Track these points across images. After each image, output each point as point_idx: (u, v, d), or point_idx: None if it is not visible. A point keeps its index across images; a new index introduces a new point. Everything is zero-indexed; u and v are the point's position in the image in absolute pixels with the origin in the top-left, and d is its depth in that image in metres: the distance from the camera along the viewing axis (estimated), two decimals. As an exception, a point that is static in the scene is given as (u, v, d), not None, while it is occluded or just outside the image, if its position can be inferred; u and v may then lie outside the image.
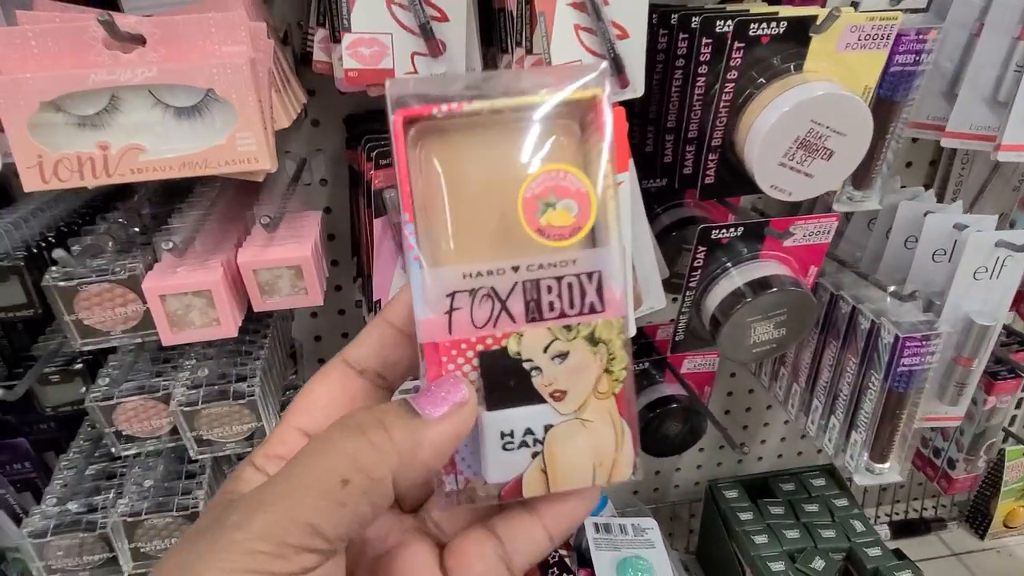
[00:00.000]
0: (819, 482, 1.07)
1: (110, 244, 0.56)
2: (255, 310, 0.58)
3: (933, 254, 0.75)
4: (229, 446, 0.63)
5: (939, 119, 0.72)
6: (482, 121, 0.26)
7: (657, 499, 1.21)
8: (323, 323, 0.94)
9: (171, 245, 0.51)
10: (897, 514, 1.24)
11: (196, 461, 0.64)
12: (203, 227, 0.60)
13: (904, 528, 1.20)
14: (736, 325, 0.66)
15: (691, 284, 0.68)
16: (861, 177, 0.68)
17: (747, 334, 0.67)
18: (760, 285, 0.65)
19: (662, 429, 0.93)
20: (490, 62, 0.68)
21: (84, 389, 0.64)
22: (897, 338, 0.65)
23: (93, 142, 0.48)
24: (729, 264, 0.67)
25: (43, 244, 0.57)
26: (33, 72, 0.46)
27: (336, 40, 0.59)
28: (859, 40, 0.57)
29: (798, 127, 0.56)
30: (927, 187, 1.01)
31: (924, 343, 0.65)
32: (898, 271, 0.78)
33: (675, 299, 0.80)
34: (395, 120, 0.26)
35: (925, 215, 0.75)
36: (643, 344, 0.95)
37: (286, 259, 0.56)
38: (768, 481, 1.08)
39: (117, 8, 0.56)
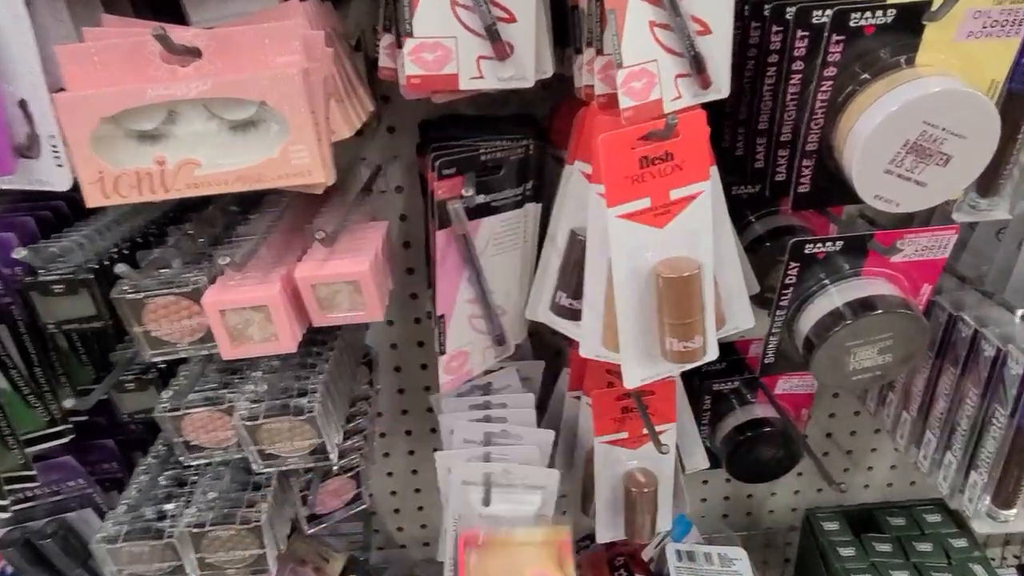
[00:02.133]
0: (934, 518, 0.96)
1: (177, 257, 0.56)
2: (314, 325, 0.57)
3: (1075, 270, 0.65)
4: (292, 460, 0.62)
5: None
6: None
7: (750, 525, 1.14)
8: (399, 332, 0.93)
9: (228, 260, 0.51)
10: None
11: (262, 473, 0.64)
12: (269, 239, 0.60)
13: (1036, 573, 1.06)
14: (833, 349, 0.59)
15: (782, 303, 0.62)
16: (987, 182, 0.59)
17: (846, 359, 0.60)
18: (862, 306, 0.58)
19: (753, 454, 0.86)
20: (566, 63, 0.64)
21: (158, 397, 0.65)
22: (1029, 370, 0.57)
23: (151, 157, 0.48)
24: (827, 281, 0.60)
25: (114, 257, 0.57)
26: (96, 88, 0.46)
27: (401, 45, 0.57)
28: (984, 27, 0.49)
29: (908, 129, 0.49)
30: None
31: (1062, 376, 0.56)
32: (1032, 288, 0.68)
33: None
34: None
35: (1066, 225, 0.65)
36: (733, 361, 0.88)
37: (343, 274, 0.55)
38: (874, 513, 0.99)
39: (186, 21, 0.56)
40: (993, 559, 0.92)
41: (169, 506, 0.63)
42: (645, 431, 0.73)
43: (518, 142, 0.63)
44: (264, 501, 0.63)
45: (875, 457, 1.08)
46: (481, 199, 0.62)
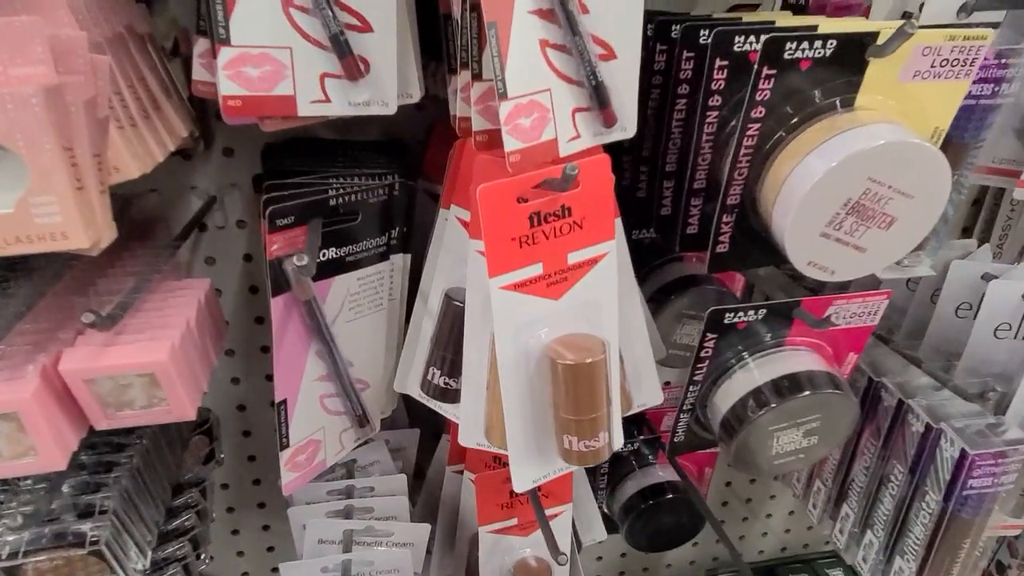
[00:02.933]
0: (835, 572, 0.92)
1: None
2: (96, 428, 0.42)
3: (996, 329, 0.59)
4: (74, 602, 0.46)
5: (1009, 162, 0.57)
6: None
7: (647, 582, 1.06)
8: (247, 390, 0.78)
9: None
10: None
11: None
12: (36, 309, 0.44)
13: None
14: (755, 434, 0.50)
15: (696, 378, 0.52)
16: (913, 237, 0.52)
17: (768, 444, 0.51)
18: (788, 385, 0.49)
19: (654, 523, 0.77)
20: (440, 83, 0.53)
21: None
22: (964, 454, 0.50)
23: None
24: (746, 354, 0.52)
25: None
26: None
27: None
28: (932, 66, 0.41)
29: (850, 187, 0.40)
30: (967, 231, 0.86)
31: (999, 461, 0.50)
32: (948, 344, 0.63)
33: (666, 383, 0.65)
34: None
35: (985, 278, 0.60)
36: (632, 418, 0.79)
37: (132, 365, 0.40)
38: (776, 570, 0.93)
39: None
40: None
41: None
42: (539, 517, 0.62)
43: (380, 180, 0.51)
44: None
45: (773, 504, 1.03)
46: (332, 253, 0.49)
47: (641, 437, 0.79)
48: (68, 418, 0.41)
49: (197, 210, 0.63)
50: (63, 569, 0.45)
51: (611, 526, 0.79)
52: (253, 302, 0.73)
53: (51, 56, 0.33)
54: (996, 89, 0.47)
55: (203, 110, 0.61)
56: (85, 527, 0.44)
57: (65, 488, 0.47)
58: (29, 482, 0.47)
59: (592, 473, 0.78)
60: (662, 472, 0.78)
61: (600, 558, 1.02)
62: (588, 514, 0.73)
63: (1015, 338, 0.60)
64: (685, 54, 0.49)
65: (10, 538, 0.43)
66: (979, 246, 0.66)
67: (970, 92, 0.46)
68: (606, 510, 0.82)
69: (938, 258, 0.58)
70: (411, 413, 0.73)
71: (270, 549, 0.90)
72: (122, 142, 0.39)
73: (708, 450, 0.64)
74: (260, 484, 0.85)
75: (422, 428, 0.73)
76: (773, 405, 0.49)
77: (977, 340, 0.60)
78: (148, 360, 0.40)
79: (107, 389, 0.41)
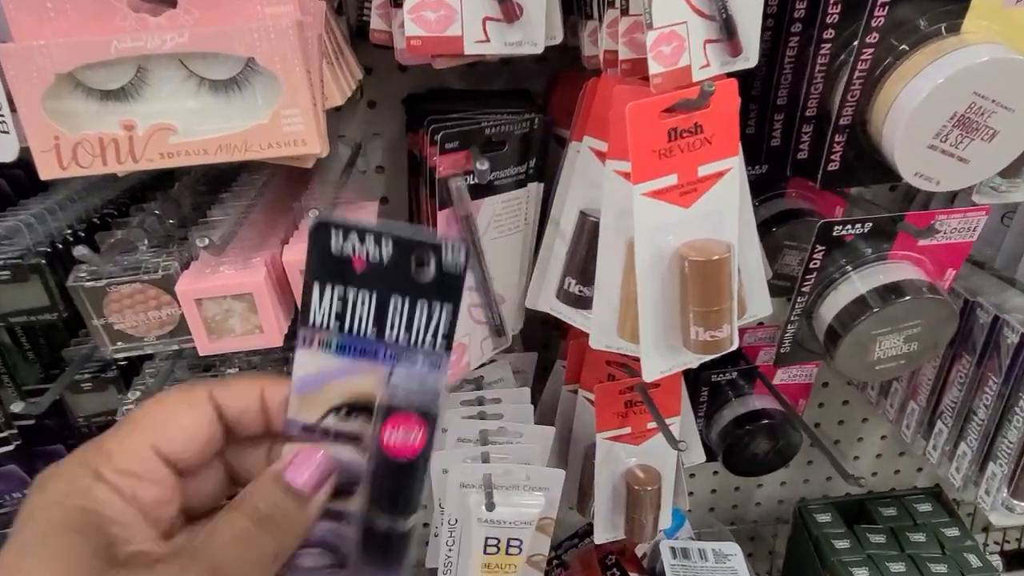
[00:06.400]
0: (924, 507, 0.95)
1: (144, 240, 0.50)
2: (303, 315, 0.51)
3: (1092, 254, 0.63)
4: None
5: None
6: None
7: (736, 518, 1.11)
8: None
9: (207, 242, 0.44)
10: (1008, 542, 1.11)
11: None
12: (247, 220, 0.53)
13: (1019, 558, 1.07)
14: (859, 338, 0.56)
15: (804, 289, 0.58)
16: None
17: (871, 349, 0.57)
18: (890, 291, 0.55)
19: (751, 447, 0.83)
20: (568, 31, 0.59)
21: (120, 398, 0.58)
22: (1058, 357, 0.54)
23: (117, 121, 0.41)
24: (849, 267, 0.57)
25: (69, 239, 0.50)
26: (48, 39, 0.39)
27: (397, 4, 0.51)
28: (1035, -8, 0.46)
29: (956, 101, 0.46)
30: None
31: (1092, 364, 0.54)
32: (1043, 274, 0.67)
33: (760, 323, 0.70)
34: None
35: (1080, 208, 0.63)
36: (729, 354, 0.85)
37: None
38: (865, 504, 0.97)
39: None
40: (979, 545, 0.91)
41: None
42: (650, 425, 0.69)
43: (521, 116, 0.58)
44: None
45: (861, 447, 1.07)
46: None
47: (737, 369, 0.85)
48: (285, 303, 0.50)
49: (348, 156, 0.72)
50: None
51: (709, 455, 0.85)
52: (388, 240, 0.81)
53: (297, -2, 0.41)
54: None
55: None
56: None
57: (269, 367, 0.56)
58: (235, 370, 0.57)
59: (692, 401, 0.85)
60: (758, 401, 0.84)
61: (692, 493, 1.08)
62: (690, 436, 0.80)
63: (1110, 263, 0.63)
64: (799, -5, 0.54)
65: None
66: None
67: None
68: (704, 439, 0.88)
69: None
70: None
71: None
72: (330, 75, 0.48)
73: (812, 361, 0.69)
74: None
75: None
76: (876, 310, 0.54)
77: (1072, 266, 0.63)
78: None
79: (315, 280, 0.50)
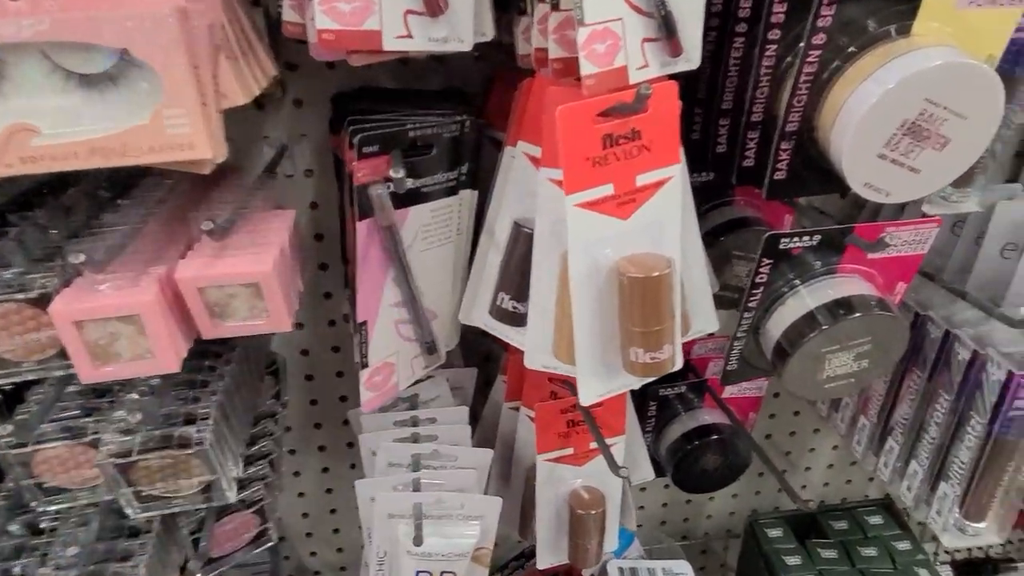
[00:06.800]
0: (876, 520, 0.94)
1: (18, 253, 0.44)
2: (204, 337, 0.46)
3: (1042, 267, 0.61)
4: (179, 502, 0.51)
5: (1058, 101, 0.58)
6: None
7: (687, 531, 1.09)
8: (310, 336, 0.82)
9: (82, 258, 0.39)
10: (959, 551, 1.10)
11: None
12: (144, 230, 0.48)
13: (968, 569, 1.06)
14: (807, 357, 0.53)
15: (751, 304, 0.55)
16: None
17: (820, 367, 0.54)
18: (840, 308, 0.52)
19: (701, 464, 0.80)
20: (504, 28, 0.55)
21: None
22: (1011, 375, 0.52)
23: (-32, 121, 0.36)
24: (797, 281, 0.54)
25: (-70, 253, 0.44)
26: None
27: (309, -6, 0.47)
28: (988, -7, 0.44)
29: (907, 108, 0.43)
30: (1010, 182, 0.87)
31: (1045, 382, 0.52)
32: (992, 285, 0.65)
33: (710, 335, 0.66)
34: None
35: (1031, 219, 0.62)
36: (679, 364, 0.82)
37: (240, 274, 0.44)
38: (817, 517, 0.95)
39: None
40: (928, 555, 0.90)
41: (17, 566, 0.50)
42: (593, 446, 0.66)
43: (451, 118, 0.54)
44: (143, 552, 0.51)
45: (812, 457, 1.05)
46: (409, 184, 0.52)
47: (686, 382, 0.82)
48: (181, 325, 0.45)
49: (271, 158, 0.67)
50: (169, 469, 0.49)
51: (657, 470, 0.82)
52: (318, 249, 0.76)
53: (180, -18, 0.36)
54: (1047, 22, 0.49)
55: (277, 62, 0.65)
56: (191, 430, 0.48)
57: (168, 398, 0.51)
58: (135, 395, 0.51)
59: (640, 415, 0.81)
60: (707, 416, 0.81)
61: (642, 507, 1.05)
62: (637, 453, 0.76)
63: (1059, 275, 0.61)
64: (743, -7, 0.51)
65: (124, 438, 0.47)
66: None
67: (1021, 24, 0.48)
68: (653, 454, 0.85)
69: (984, 199, 0.60)
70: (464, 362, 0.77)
71: (329, 491, 0.94)
72: (230, 70, 0.43)
73: (759, 377, 0.66)
74: (321, 428, 0.89)
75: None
76: (825, 327, 0.51)
77: (1022, 278, 0.61)
78: (255, 270, 0.44)
79: (215, 298, 0.45)
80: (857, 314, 0.51)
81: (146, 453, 0.47)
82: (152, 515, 0.51)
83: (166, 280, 0.44)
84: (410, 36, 0.47)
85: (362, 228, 0.50)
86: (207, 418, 0.49)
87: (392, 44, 0.47)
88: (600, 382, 0.50)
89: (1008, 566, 1.07)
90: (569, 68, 0.45)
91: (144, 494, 0.49)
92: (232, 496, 0.52)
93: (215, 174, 0.64)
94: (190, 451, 0.48)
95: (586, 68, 0.42)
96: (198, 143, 0.37)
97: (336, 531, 0.98)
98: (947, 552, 1.10)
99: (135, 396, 0.51)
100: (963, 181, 0.57)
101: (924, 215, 0.62)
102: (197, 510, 0.55)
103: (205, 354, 0.57)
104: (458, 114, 0.55)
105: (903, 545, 0.90)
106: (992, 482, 0.57)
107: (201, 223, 0.41)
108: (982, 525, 0.59)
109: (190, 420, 0.49)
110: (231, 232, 0.46)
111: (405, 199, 0.52)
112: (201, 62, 0.37)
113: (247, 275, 0.44)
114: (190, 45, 0.36)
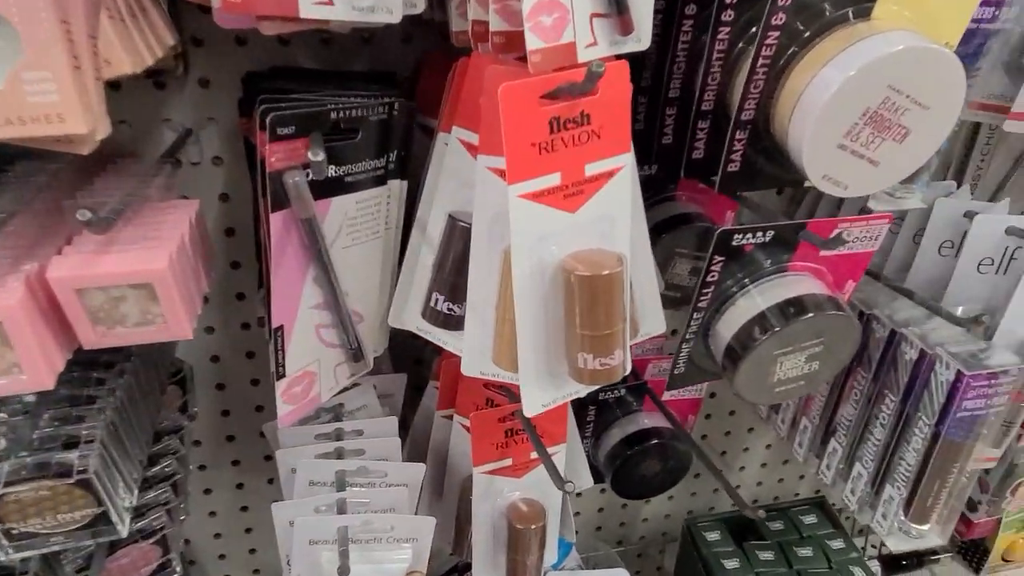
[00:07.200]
0: (810, 519, 0.94)
1: None
2: (84, 347, 0.39)
3: (979, 264, 0.61)
4: (58, 539, 0.43)
5: (999, 97, 0.58)
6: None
7: (624, 536, 1.06)
8: (221, 340, 0.74)
9: (-77, 254, 0.32)
10: (886, 545, 1.12)
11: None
12: (12, 223, 0.41)
13: (895, 563, 1.08)
14: (760, 360, 0.50)
15: (700, 304, 0.52)
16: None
17: (772, 370, 0.51)
18: (793, 308, 0.49)
19: (640, 469, 0.77)
20: (436, 5, 0.51)
21: None
22: (960, 376, 0.51)
23: None
24: (747, 280, 0.52)
25: None
26: None
27: (212, -48, 0.41)
28: (948, -23, 0.42)
29: (870, 95, 0.40)
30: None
31: (992, 383, 0.51)
32: (931, 283, 0.64)
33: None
34: None
35: (970, 216, 0.61)
36: (618, 366, 0.79)
37: (128, 273, 0.37)
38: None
39: None
40: (858, 550, 0.90)
41: None
42: (535, 455, 0.62)
43: (379, 99, 0.49)
44: (15, 599, 0.44)
45: (747, 457, 1.04)
46: (332, 172, 0.46)
47: (625, 385, 0.79)
48: (55, 333, 0.38)
49: (172, 143, 0.60)
50: (46, 502, 0.42)
51: (595, 476, 0.79)
52: (230, 245, 0.69)
53: (45, -82, 0.30)
54: (996, 13, 0.48)
55: (179, 34, 0.58)
56: (72, 456, 0.41)
57: (46, 418, 0.44)
58: (3, 415, 0.44)
59: (577, 422, 0.78)
60: (647, 420, 0.78)
61: (578, 513, 1.02)
62: (575, 461, 0.73)
63: (996, 273, 0.61)
64: (693, -27, 0.48)
65: (-12, 468, 0.40)
66: (958, 187, 0.68)
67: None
68: (591, 460, 0.82)
69: (927, 196, 0.59)
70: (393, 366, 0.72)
71: (244, 509, 0.87)
72: (114, 33, 0.36)
73: (707, 381, 0.64)
74: (234, 440, 0.82)
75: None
76: (778, 329, 0.49)
77: (961, 275, 0.61)
78: (146, 268, 0.37)
79: (98, 302, 0.38)
80: (810, 314, 0.49)
81: (16, 484, 0.40)
82: (27, 555, 0.44)
83: (37, 280, 0.37)
84: (331, 3, 0.41)
85: (277, 220, 0.44)
86: (92, 440, 0.42)
87: (310, 11, 0.41)
88: (545, 391, 0.46)
89: (931, 559, 1.09)
90: (511, 43, 0.41)
91: (16, 532, 0.42)
92: (124, 530, 0.45)
93: (106, 159, 0.57)
94: (70, 480, 0.41)
95: (532, 42, 0.37)
96: (69, 114, 0.31)
97: (252, 551, 0.91)
98: (874, 547, 1.11)
99: (3, 416, 0.43)
100: (908, 177, 0.55)
101: (862, 212, 0.61)
102: (81, 549, 0.48)
103: (93, 364, 0.49)
104: (386, 96, 0.50)
105: (837, 544, 0.90)
106: (938, 484, 0.56)
107: (77, 212, 0.35)
108: (926, 527, 0.59)
109: (72, 444, 0.42)
110: (119, 224, 0.39)
111: (326, 189, 0.47)
112: (72, 17, 0.31)
113: (137, 274, 0.37)
114: (59, -3, 0.30)
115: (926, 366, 0.54)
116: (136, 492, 0.47)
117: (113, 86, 0.59)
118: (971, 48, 0.49)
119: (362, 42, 0.63)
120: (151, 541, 0.55)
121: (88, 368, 0.49)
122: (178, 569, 0.57)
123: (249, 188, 0.66)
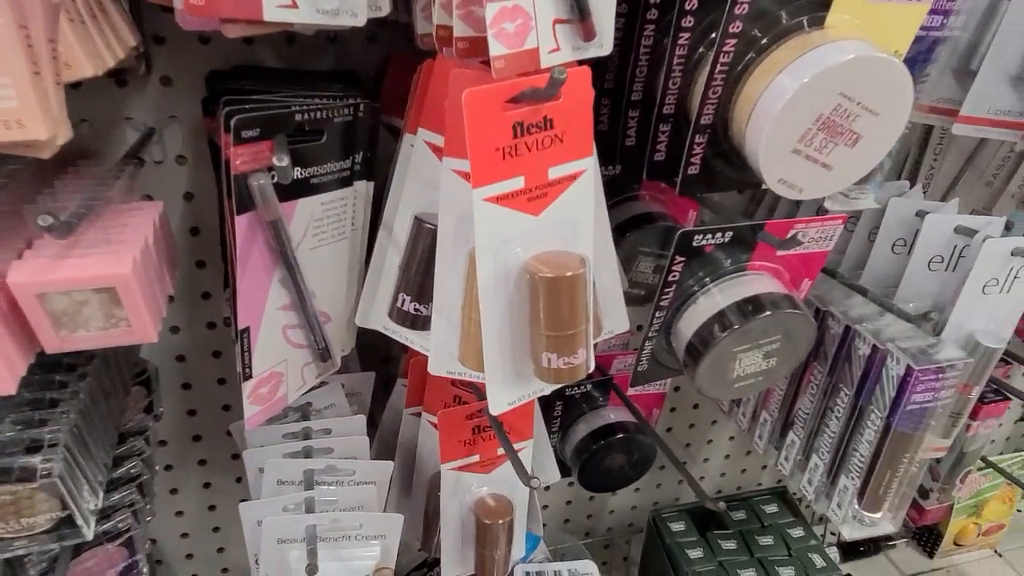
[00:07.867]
0: (771, 508, 0.96)
1: None
2: (47, 352, 0.39)
3: (930, 262, 0.63)
4: (22, 543, 0.43)
5: (948, 100, 0.60)
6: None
7: (590, 528, 1.08)
8: (187, 340, 0.74)
9: None
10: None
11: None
12: (-29, 225, 0.40)
13: (852, 549, 1.11)
14: (720, 356, 0.52)
15: (662, 303, 0.53)
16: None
17: (731, 367, 0.53)
18: (751, 306, 0.51)
19: (606, 463, 0.79)
20: (401, 7, 0.51)
21: None
22: (909, 370, 0.53)
23: None
24: (708, 280, 0.53)
25: None
26: None
27: (174, -47, 0.40)
28: (898, -12, 0.43)
29: (822, 102, 0.42)
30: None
31: (939, 376, 0.53)
32: (884, 280, 0.66)
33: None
34: None
35: (919, 215, 0.63)
36: (584, 361, 0.80)
37: (91, 278, 0.37)
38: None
39: None
40: (817, 538, 0.93)
41: None
42: (501, 452, 0.63)
43: (343, 100, 0.49)
44: (-23, 604, 0.44)
45: (710, 449, 1.07)
46: (297, 173, 0.46)
47: (591, 381, 0.80)
48: (17, 338, 0.37)
49: (134, 142, 0.60)
50: (9, 507, 0.41)
51: (563, 470, 0.80)
52: (194, 244, 0.69)
53: (2, -78, 0.29)
54: (944, 21, 0.50)
55: (140, 33, 0.57)
56: (35, 460, 0.41)
57: (8, 422, 0.43)
58: (-37, 419, 0.43)
59: (544, 417, 0.79)
60: (612, 414, 0.79)
61: (546, 507, 1.03)
62: (542, 456, 0.74)
63: (946, 270, 0.63)
64: (654, -21, 0.49)
65: (-52, 474, 0.40)
66: (911, 188, 0.70)
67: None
68: (558, 455, 0.83)
69: (880, 196, 0.61)
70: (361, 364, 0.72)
71: (211, 508, 0.86)
72: (74, 36, 0.36)
73: (669, 377, 0.65)
74: (201, 440, 0.81)
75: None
76: (737, 326, 0.50)
77: (912, 273, 0.63)
78: (109, 273, 0.37)
79: (61, 306, 0.38)
80: (767, 312, 0.50)
81: (-23, 490, 0.40)
82: (-11, 560, 0.44)
83: (-2, 285, 0.37)
84: (295, 6, 0.42)
85: (242, 223, 0.44)
86: (55, 444, 0.42)
87: (274, 14, 0.41)
88: (510, 389, 0.46)
89: (887, 544, 1.13)
90: (475, 48, 0.41)
91: (-23, 537, 0.42)
92: (89, 532, 0.45)
93: (67, 160, 0.56)
94: (34, 484, 0.41)
95: (495, 49, 0.38)
96: (29, 120, 0.31)
97: (221, 550, 0.90)
98: (832, 534, 1.14)
99: (-37, 422, 0.43)
100: (863, 178, 0.57)
101: (819, 212, 0.62)
102: (46, 552, 0.48)
103: (55, 367, 0.49)
104: (351, 96, 0.50)
105: (797, 532, 0.92)
106: (889, 474, 0.58)
107: (38, 218, 0.34)
108: (879, 515, 0.61)
109: (35, 447, 0.42)
110: (80, 228, 0.39)
111: (292, 191, 0.47)
112: (31, 22, 0.31)
113: (100, 279, 0.37)
114: (17, 0, 0.29)
115: (878, 361, 0.56)
116: (101, 494, 0.47)
117: (73, 84, 0.58)
118: (920, 54, 0.51)
119: (327, 41, 0.63)
120: (117, 543, 0.54)
121: (50, 371, 0.49)
122: (144, 570, 0.56)
123: (214, 187, 0.65)
